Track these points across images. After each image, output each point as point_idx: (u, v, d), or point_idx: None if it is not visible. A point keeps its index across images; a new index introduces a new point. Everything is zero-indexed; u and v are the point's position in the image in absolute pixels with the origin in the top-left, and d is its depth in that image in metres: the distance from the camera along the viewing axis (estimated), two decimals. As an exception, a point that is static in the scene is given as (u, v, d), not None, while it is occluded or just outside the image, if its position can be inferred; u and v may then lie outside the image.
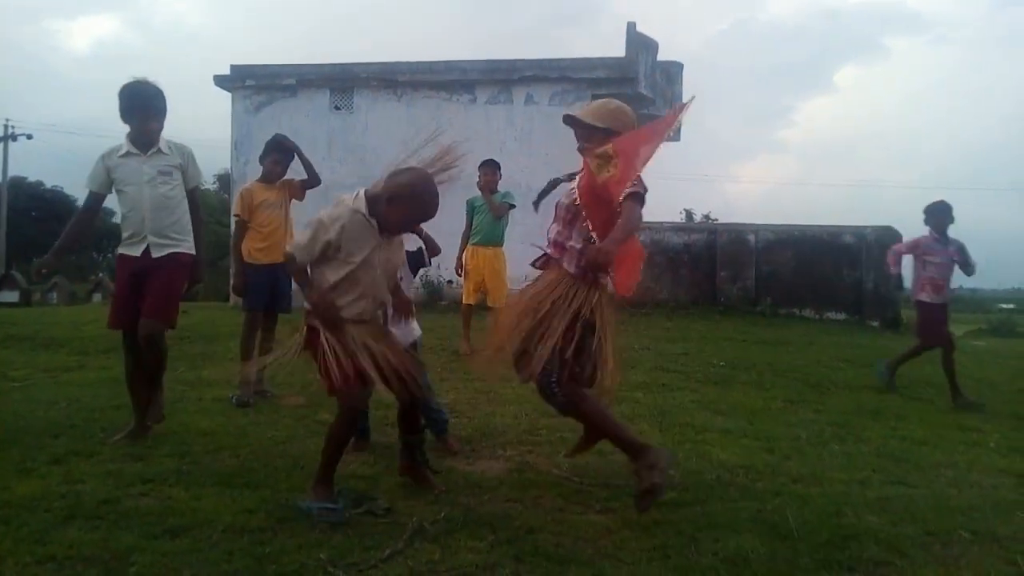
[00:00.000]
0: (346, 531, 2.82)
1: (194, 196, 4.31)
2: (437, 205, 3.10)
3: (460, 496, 3.29)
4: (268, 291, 5.35)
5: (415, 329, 3.86)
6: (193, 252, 4.24)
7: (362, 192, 3.12)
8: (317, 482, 3.04)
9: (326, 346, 2.99)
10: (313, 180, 5.54)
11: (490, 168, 6.99)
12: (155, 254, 4.07)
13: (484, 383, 5.36)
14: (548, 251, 3.40)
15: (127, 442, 3.97)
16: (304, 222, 3.43)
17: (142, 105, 4.04)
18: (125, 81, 4.05)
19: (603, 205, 3.18)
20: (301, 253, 3.05)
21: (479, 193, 7.01)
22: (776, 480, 3.70)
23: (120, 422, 4.41)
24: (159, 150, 4.13)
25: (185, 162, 4.23)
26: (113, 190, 4.13)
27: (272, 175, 5.52)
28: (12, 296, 25.04)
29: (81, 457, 3.69)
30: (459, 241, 7.00)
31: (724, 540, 2.82)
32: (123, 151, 4.09)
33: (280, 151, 5.51)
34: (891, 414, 5.52)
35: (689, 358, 7.46)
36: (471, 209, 7.00)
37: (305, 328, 3.11)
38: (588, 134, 3.34)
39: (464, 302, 7.12)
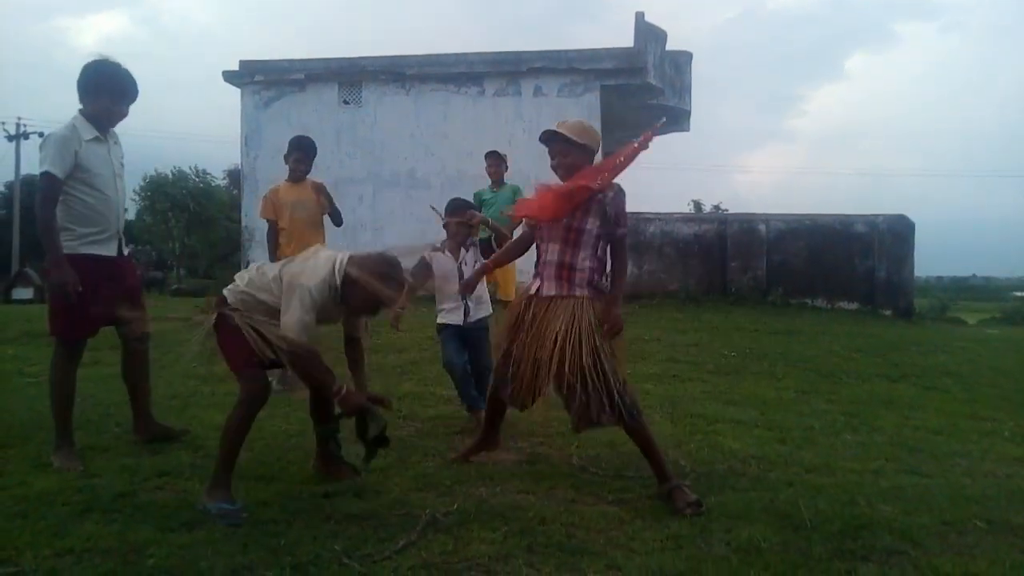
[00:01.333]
0: (360, 522, 2.84)
1: None
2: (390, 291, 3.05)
3: (473, 487, 3.30)
4: None
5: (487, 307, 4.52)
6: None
7: (347, 258, 3.06)
8: (214, 483, 2.94)
9: (246, 330, 3.00)
10: (336, 220, 5.54)
11: (494, 159, 6.96)
12: (125, 251, 3.85)
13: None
14: (543, 274, 3.32)
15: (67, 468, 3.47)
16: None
17: (119, 87, 3.66)
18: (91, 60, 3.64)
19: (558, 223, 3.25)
20: (305, 333, 2.97)
21: (486, 186, 6.99)
22: (789, 470, 3.69)
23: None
24: (117, 139, 3.81)
25: (122, 153, 3.88)
26: (73, 178, 3.54)
27: (296, 174, 5.49)
28: (26, 293, 25.19)
29: (97, 451, 3.73)
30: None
31: (737, 530, 2.82)
32: (88, 135, 3.59)
33: (301, 149, 5.49)
34: (904, 403, 5.49)
35: (700, 349, 7.45)
36: (479, 202, 6.99)
37: (215, 313, 3.13)
38: (568, 149, 3.32)
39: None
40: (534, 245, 3.47)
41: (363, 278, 2.97)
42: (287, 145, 5.59)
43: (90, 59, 3.65)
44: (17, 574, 2.38)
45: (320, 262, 3.05)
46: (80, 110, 3.64)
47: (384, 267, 3.04)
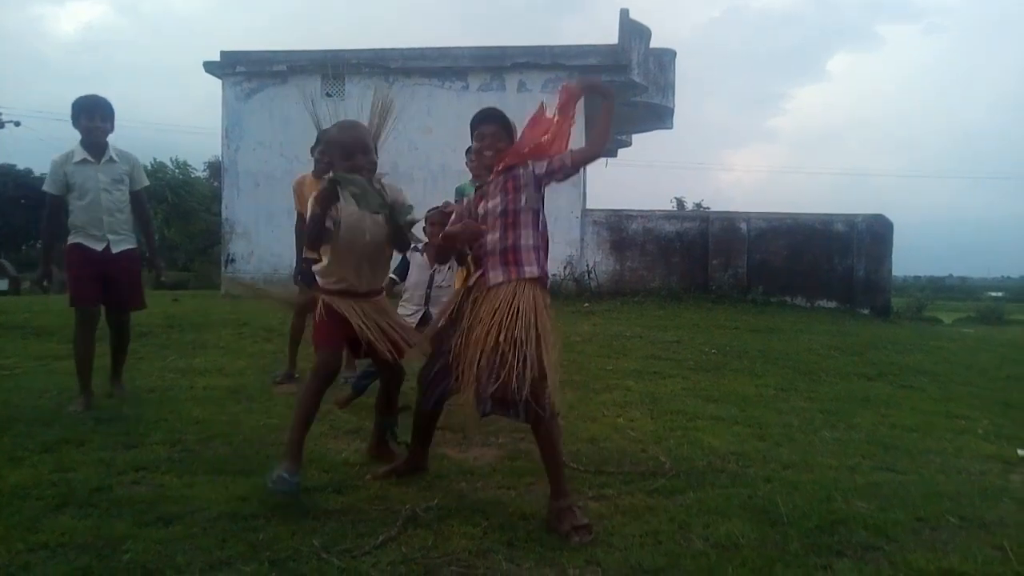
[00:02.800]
0: (339, 518, 2.83)
1: (140, 197, 4.83)
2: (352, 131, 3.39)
3: (453, 483, 3.30)
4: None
5: None
6: (136, 246, 4.83)
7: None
8: (286, 451, 3.05)
9: (321, 309, 3.21)
10: None
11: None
12: (115, 249, 4.65)
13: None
14: (487, 264, 3.10)
15: (82, 410, 4.36)
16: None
17: (91, 104, 4.55)
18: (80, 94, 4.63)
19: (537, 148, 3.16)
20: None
21: (465, 181, 6.97)
22: (767, 467, 3.72)
23: (112, 410, 4.41)
24: (111, 158, 4.64)
25: (131, 168, 4.75)
26: (69, 194, 4.54)
27: (321, 166, 5.43)
28: (2, 284, 24.85)
29: (72, 445, 3.68)
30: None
31: (715, 526, 2.85)
32: (78, 158, 4.55)
33: (326, 143, 5.43)
34: (881, 401, 5.56)
35: (681, 346, 7.50)
36: (461, 196, 6.96)
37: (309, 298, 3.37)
38: (503, 133, 3.28)
39: (458, 286, 7.11)
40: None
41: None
42: (314, 139, 5.51)
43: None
44: (-10, 569, 2.35)
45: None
46: (79, 140, 4.58)
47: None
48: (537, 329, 2.90)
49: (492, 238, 3.10)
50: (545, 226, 3.20)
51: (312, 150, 5.50)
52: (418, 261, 4.74)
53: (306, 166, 5.68)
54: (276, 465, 3.00)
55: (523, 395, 2.79)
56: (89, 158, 4.56)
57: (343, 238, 3.23)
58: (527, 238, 3.09)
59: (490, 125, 3.27)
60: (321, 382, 3.19)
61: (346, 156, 3.22)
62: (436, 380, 3.21)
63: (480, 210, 3.19)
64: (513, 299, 2.96)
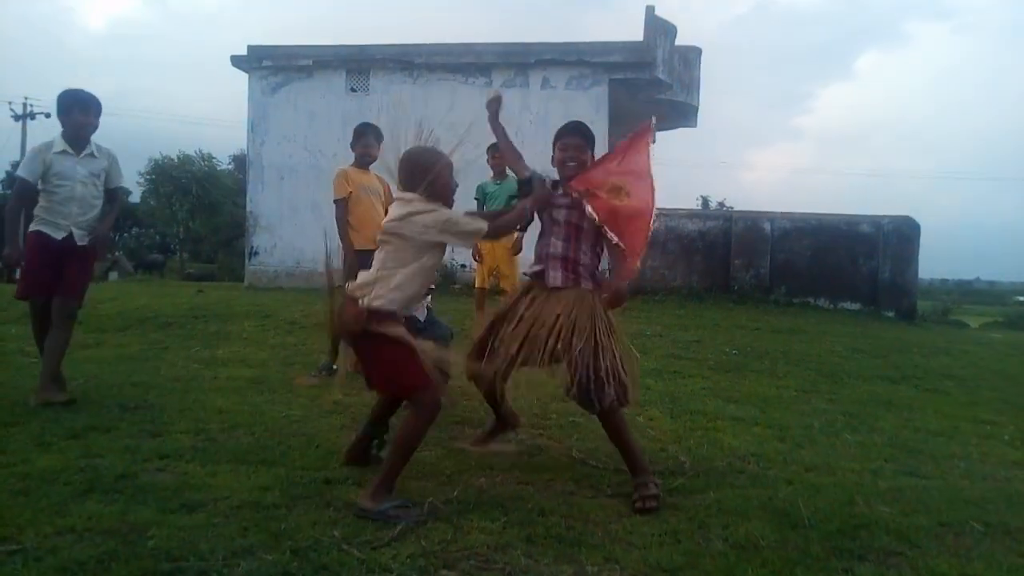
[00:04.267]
0: (359, 509, 2.85)
1: (115, 195, 4.82)
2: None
3: (472, 477, 3.31)
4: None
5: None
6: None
7: (411, 196, 3.07)
8: (379, 490, 2.85)
9: (403, 347, 2.94)
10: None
11: (497, 151, 6.94)
12: (78, 242, 4.57)
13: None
14: (548, 266, 3.38)
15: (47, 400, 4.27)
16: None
17: (83, 100, 4.57)
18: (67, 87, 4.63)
19: (621, 223, 3.31)
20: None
21: (486, 179, 6.96)
22: (788, 468, 3.70)
23: (137, 398, 4.48)
24: (91, 153, 4.62)
25: (110, 165, 4.73)
26: (42, 180, 4.49)
27: (366, 158, 5.47)
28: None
29: (99, 432, 3.74)
30: None
31: (734, 526, 2.83)
32: (58, 148, 4.53)
33: (368, 135, 5.46)
34: (905, 405, 5.49)
35: (701, 345, 7.46)
36: (482, 194, 6.96)
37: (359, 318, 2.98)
38: (586, 146, 3.50)
39: (477, 286, 7.12)
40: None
41: (433, 178, 3.04)
42: (352, 133, 5.53)
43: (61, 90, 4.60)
44: (18, 551, 2.39)
45: (417, 208, 3.04)
46: (61, 132, 4.57)
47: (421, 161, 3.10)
48: (597, 334, 3.20)
49: (557, 242, 3.40)
50: (602, 247, 3.44)
51: (353, 145, 5.53)
52: None
53: (328, 160, 5.72)
54: (367, 500, 2.83)
55: (599, 390, 3.14)
56: (69, 150, 4.54)
57: (434, 263, 3.13)
58: (585, 255, 3.39)
59: (574, 138, 3.51)
60: (431, 421, 3.00)
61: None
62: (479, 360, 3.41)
63: (555, 215, 3.45)
64: (583, 302, 3.27)
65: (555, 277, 3.36)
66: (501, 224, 3.28)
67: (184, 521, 2.67)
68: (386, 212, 5.45)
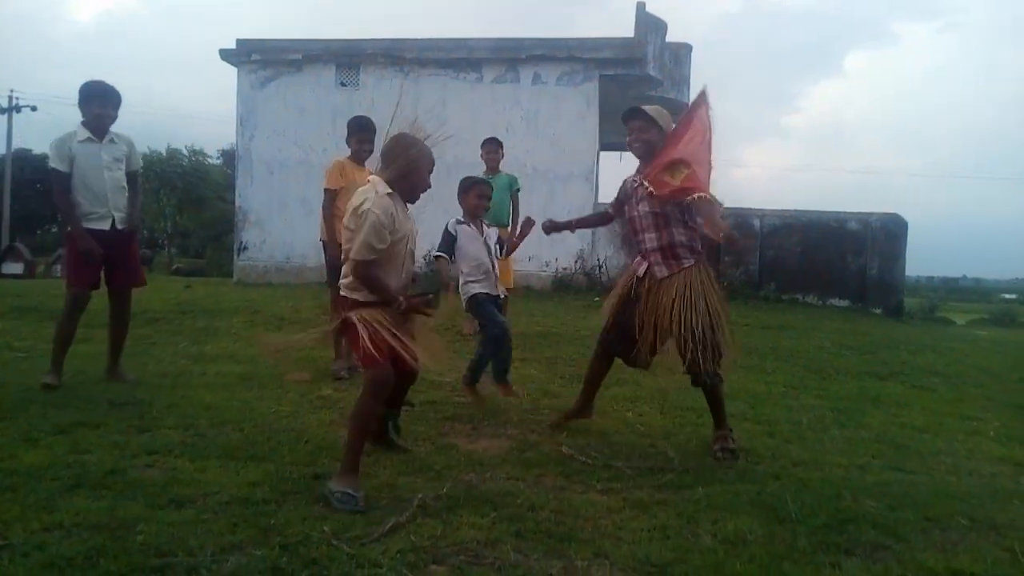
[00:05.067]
0: (349, 505, 2.85)
1: (134, 178, 5.01)
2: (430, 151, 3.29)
3: (463, 473, 3.32)
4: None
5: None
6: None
7: (376, 179, 3.18)
8: (343, 467, 2.97)
9: (362, 327, 3.04)
10: None
11: (492, 146, 6.94)
12: (119, 226, 4.82)
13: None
14: (651, 260, 3.77)
15: (56, 384, 4.54)
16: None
17: (104, 92, 4.76)
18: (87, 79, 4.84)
19: (681, 193, 3.63)
20: (374, 254, 3.06)
21: (479, 173, 6.97)
22: (776, 464, 3.72)
23: (125, 394, 4.45)
24: (112, 139, 4.82)
25: (129, 149, 4.93)
26: (72, 171, 4.68)
27: (361, 154, 5.39)
28: (16, 268, 25.07)
29: (87, 427, 3.72)
30: None
31: (723, 521, 2.85)
32: (82, 137, 4.72)
33: (365, 129, 5.38)
34: (892, 401, 5.53)
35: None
36: None
37: (338, 314, 3.24)
38: (647, 126, 3.79)
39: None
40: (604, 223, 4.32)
41: (405, 163, 3.17)
42: (347, 127, 5.46)
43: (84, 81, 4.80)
44: (5, 547, 2.38)
45: (364, 190, 3.14)
46: (81, 121, 4.76)
47: (398, 145, 3.21)
48: (710, 310, 3.63)
49: (650, 236, 3.76)
50: (692, 214, 3.75)
51: (348, 140, 5.44)
52: (468, 233, 4.53)
53: (319, 155, 5.69)
54: (334, 481, 2.93)
55: (707, 366, 3.62)
56: (93, 137, 4.73)
57: (396, 251, 3.18)
58: (679, 234, 3.72)
59: (634, 120, 3.81)
60: (379, 399, 3.12)
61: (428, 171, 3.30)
62: (613, 344, 3.97)
63: (634, 212, 3.83)
64: (686, 290, 3.63)
65: (661, 270, 3.74)
66: (370, 273, 3.11)
67: (173, 517, 2.66)
68: None
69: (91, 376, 4.97)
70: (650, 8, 12.82)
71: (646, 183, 3.72)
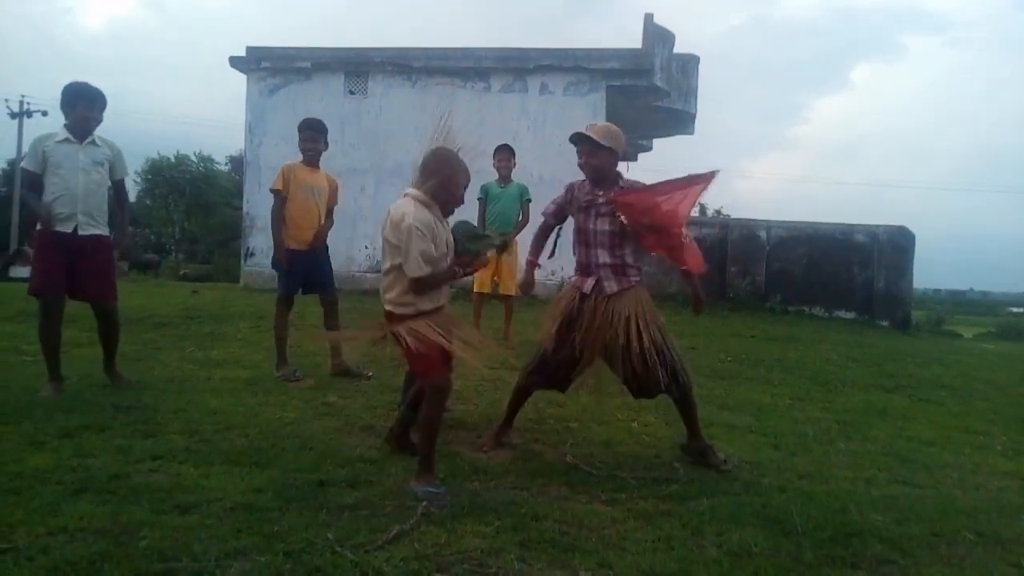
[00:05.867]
0: (353, 512, 2.85)
1: (121, 186, 4.95)
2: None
3: (467, 482, 3.31)
4: (303, 276, 5.40)
5: None
6: (107, 235, 4.80)
7: (414, 192, 3.27)
8: (421, 468, 3.15)
9: (413, 340, 3.14)
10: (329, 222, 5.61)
11: (504, 153, 6.96)
12: (82, 232, 4.60)
13: (492, 371, 5.38)
14: (600, 275, 3.71)
15: (53, 396, 4.44)
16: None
17: (90, 95, 4.64)
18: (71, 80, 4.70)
19: (651, 233, 3.69)
20: (431, 264, 3.17)
21: (491, 180, 6.99)
22: (782, 476, 3.70)
23: (130, 398, 4.46)
24: (93, 142, 4.68)
25: (113, 156, 4.79)
26: (45, 172, 4.57)
27: (310, 154, 5.47)
28: (25, 272, 25.19)
29: (92, 432, 3.73)
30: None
31: (728, 533, 2.84)
32: (60, 137, 4.61)
33: (312, 128, 5.47)
34: (899, 414, 5.51)
35: (697, 353, 7.46)
36: (486, 194, 6.98)
37: (387, 323, 3.30)
38: (595, 151, 3.68)
39: (476, 290, 7.11)
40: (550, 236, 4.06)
41: (443, 177, 3.26)
42: (297, 132, 5.53)
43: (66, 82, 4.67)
44: (10, 551, 2.38)
45: (404, 204, 3.22)
46: (64, 123, 4.64)
47: (437, 159, 3.32)
48: (659, 324, 3.65)
49: (603, 252, 3.72)
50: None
51: (299, 143, 5.48)
52: None
53: (327, 162, 5.69)
54: (415, 482, 3.12)
55: (669, 378, 3.60)
56: (71, 138, 4.61)
57: (442, 260, 3.27)
58: (630, 255, 3.75)
59: (583, 144, 3.73)
60: (443, 402, 3.31)
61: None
62: (542, 369, 3.82)
63: (589, 225, 3.75)
64: (637, 305, 3.65)
65: (611, 285, 3.70)
66: (430, 279, 3.22)
67: (177, 522, 2.66)
68: (329, 212, 5.55)
69: (96, 380, 4.99)
70: (658, 19, 12.86)
71: (615, 209, 3.67)
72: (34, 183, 4.59)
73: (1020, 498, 3.66)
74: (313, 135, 5.46)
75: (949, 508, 3.33)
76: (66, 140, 4.60)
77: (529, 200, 6.99)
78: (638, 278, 3.77)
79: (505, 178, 6.89)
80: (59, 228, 4.54)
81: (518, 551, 2.59)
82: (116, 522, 2.62)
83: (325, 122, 5.65)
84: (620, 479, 3.47)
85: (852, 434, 4.74)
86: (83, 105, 4.60)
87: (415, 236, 3.10)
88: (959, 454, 4.46)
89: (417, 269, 3.13)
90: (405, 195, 3.28)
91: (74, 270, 4.60)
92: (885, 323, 11.97)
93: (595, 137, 3.64)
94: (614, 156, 3.71)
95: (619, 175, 3.80)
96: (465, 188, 3.36)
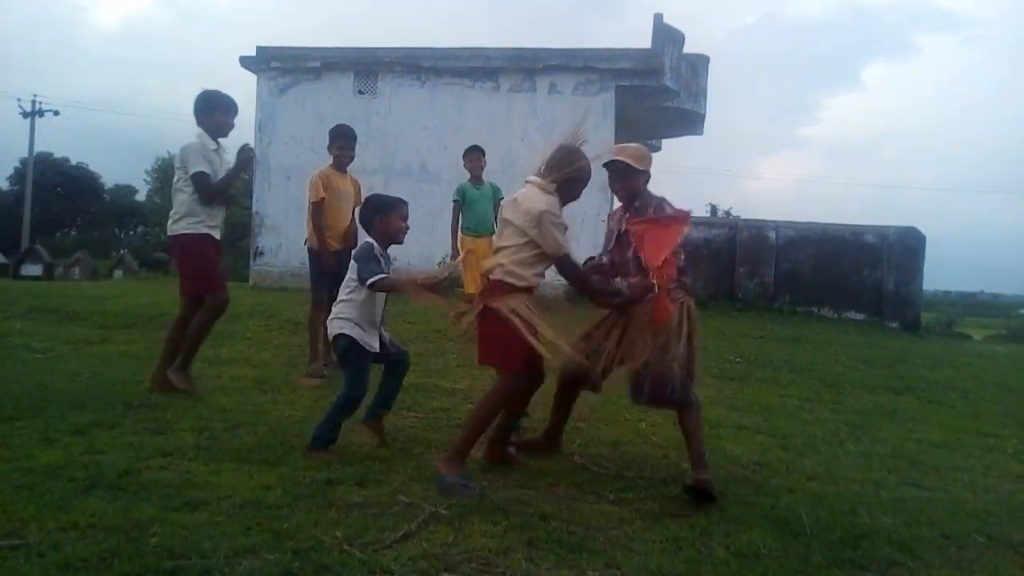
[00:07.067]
0: (362, 511, 2.86)
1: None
2: None
3: (474, 481, 3.31)
4: (335, 275, 5.43)
5: None
6: None
7: (539, 181, 3.34)
8: (453, 456, 3.16)
9: (513, 317, 3.13)
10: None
11: (477, 154, 6.97)
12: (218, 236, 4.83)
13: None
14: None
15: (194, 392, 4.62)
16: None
17: (231, 103, 4.79)
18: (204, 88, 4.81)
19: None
20: (569, 250, 3.27)
21: (465, 182, 6.93)
22: (790, 477, 3.69)
23: (141, 396, 4.48)
24: (224, 149, 4.87)
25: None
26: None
27: (342, 160, 5.64)
28: (36, 269, 25.41)
29: (103, 428, 3.75)
30: (448, 229, 6.66)
31: (736, 534, 2.83)
32: (213, 146, 4.75)
33: (345, 136, 5.63)
34: (908, 416, 5.48)
35: (705, 353, 7.39)
36: (462, 196, 6.90)
37: (485, 295, 3.30)
38: (630, 174, 3.69)
39: (467, 291, 7.08)
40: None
41: (572, 171, 3.33)
42: (328, 136, 5.65)
43: (201, 90, 4.79)
44: (21, 546, 2.40)
45: (533, 192, 3.30)
46: (200, 130, 4.72)
47: (568, 155, 3.38)
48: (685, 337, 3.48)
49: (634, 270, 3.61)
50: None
51: (329, 147, 5.62)
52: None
53: (336, 164, 5.72)
54: (442, 465, 3.13)
55: (676, 389, 3.41)
56: (218, 146, 4.79)
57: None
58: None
59: (616, 170, 3.71)
60: (507, 405, 3.34)
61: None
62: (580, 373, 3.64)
63: (626, 257, 3.67)
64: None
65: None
66: (582, 275, 3.44)
67: (186, 519, 2.67)
68: (354, 214, 5.62)
69: (108, 378, 5.02)
70: (667, 19, 12.82)
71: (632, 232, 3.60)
72: (207, 184, 4.64)
73: (1031, 501, 3.63)
74: (349, 143, 5.66)
75: (959, 511, 3.32)
76: (218, 148, 4.78)
77: (502, 199, 6.96)
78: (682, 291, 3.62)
79: (478, 178, 6.88)
80: (214, 234, 4.77)
81: (526, 550, 2.59)
82: (126, 518, 2.64)
83: (335, 122, 5.75)
84: (628, 479, 3.47)
85: (861, 436, 4.72)
86: (220, 111, 4.73)
87: (548, 222, 3.20)
88: (969, 456, 4.44)
89: (561, 245, 3.24)
90: (529, 183, 3.37)
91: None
92: (895, 324, 11.91)
93: (632, 163, 3.69)
94: (646, 176, 3.78)
95: (648, 194, 3.79)
96: (584, 186, 3.46)
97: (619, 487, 3.35)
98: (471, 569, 2.44)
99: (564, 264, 3.30)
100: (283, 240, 13.16)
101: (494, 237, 3.41)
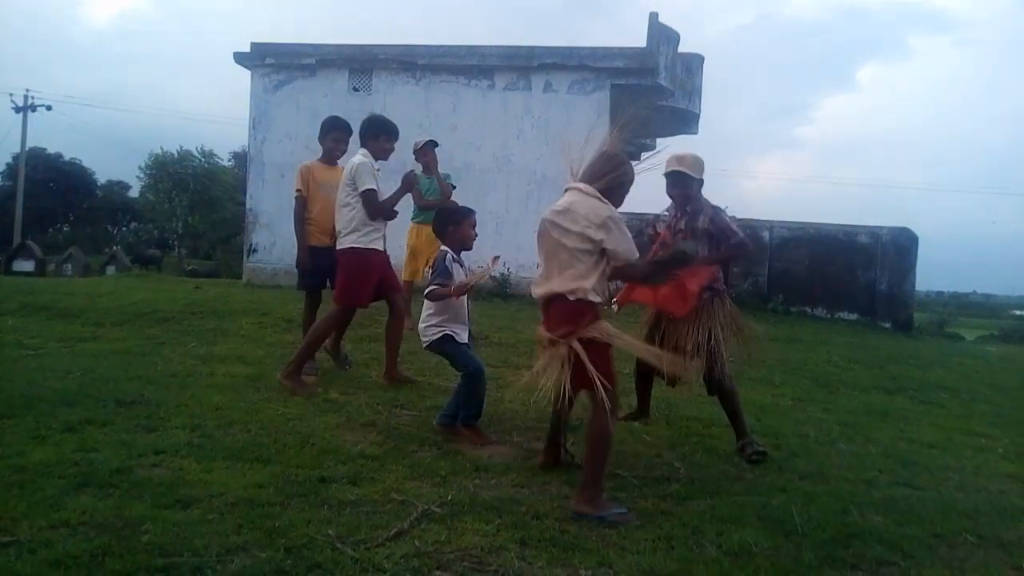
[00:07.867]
0: (354, 509, 2.86)
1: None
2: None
3: (467, 479, 3.32)
4: (328, 270, 5.42)
5: None
6: None
7: (587, 187, 3.25)
8: (592, 495, 2.99)
9: (610, 339, 3.16)
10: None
11: (432, 149, 7.13)
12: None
13: (493, 369, 5.39)
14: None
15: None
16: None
17: (394, 130, 5.24)
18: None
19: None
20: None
21: (419, 172, 7.01)
22: (782, 476, 3.70)
23: (133, 393, 4.47)
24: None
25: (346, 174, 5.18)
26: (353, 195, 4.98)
27: (334, 154, 5.62)
28: (28, 265, 25.25)
29: (95, 426, 3.74)
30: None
31: (728, 533, 2.84)
32: (377, 166, 5.13)
33: (340, 129, 5.62)
34: (900, 416, 5.50)
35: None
36: (420, 187, 7.00)
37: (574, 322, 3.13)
38: (689, 182, 4.15)
39: (405, 279, 7.14)
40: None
41: (617, 178, 3.30)
42: (320, 127, 5.62)
43: (368, 114, 5.33)
44: (12, 544, 2.39)
45: (586, 199, 3.21)
46: (364, 150, 5.11)
47: (612, 160, 3.35)
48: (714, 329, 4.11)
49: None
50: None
51: (322, 139, 5.61)
52: (459, 273, 4.19)
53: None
54: (588, 508, 2.94)
55: (713, 375, 4.07)
56: (376, 167, 5.09)
57: None
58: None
59: (677, 178, 4.17)
60: (615, 419, 3.27)
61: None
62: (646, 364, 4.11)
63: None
64: (712, 312, 4.18)
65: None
66: (641, 267, 3.44)
67: (178, 517, 2.67)
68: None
69: (100, 375, 5.00)
70: (663, 19, 12.84)
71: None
72: (376, 199, 4.96)
73: (1021, 501, 3.66)
74: (344, 136, 5.63)
75: (950, 510, 3.33)
76: (378, 170, 5.08)
77: (454, 187, 7.32)
78: (710, 294, 4.16)
79: (429, 170, 7.03)
80: (377, 247, 5.04)
81: (518, 549, 2.59)
82: (118, 516, 2.63)
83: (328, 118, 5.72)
84: (621, 478, 3.47)
85: (853, 435, 4.74)
86: (385, 138, 5.12)
87: (619, 224, 3.17)
88: (960, 456, 4.46)
89: (631, 250, 3.19)
90: (574, 190, 3.26)
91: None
92: (887, 325, 11.96)
93: (691, 173, 4.10)
94: (699, 183, 4.19)
95: (701, 199, 4.25)
96: (628, 187, 3.42)
97: (612, 486, 3.35)
98: (464, 567, 2.44)
99: (636, 265, 3.30)
100: (277, 237, 13.13)
101: (539, 258, 3.33)
